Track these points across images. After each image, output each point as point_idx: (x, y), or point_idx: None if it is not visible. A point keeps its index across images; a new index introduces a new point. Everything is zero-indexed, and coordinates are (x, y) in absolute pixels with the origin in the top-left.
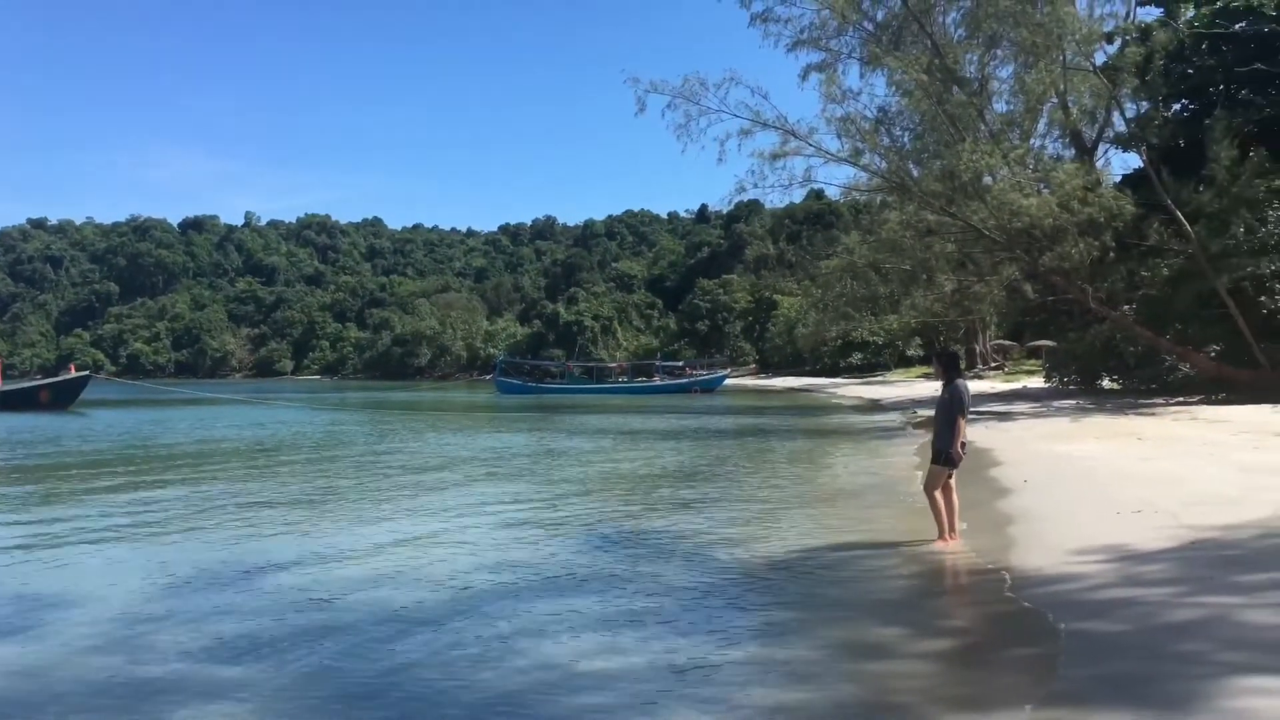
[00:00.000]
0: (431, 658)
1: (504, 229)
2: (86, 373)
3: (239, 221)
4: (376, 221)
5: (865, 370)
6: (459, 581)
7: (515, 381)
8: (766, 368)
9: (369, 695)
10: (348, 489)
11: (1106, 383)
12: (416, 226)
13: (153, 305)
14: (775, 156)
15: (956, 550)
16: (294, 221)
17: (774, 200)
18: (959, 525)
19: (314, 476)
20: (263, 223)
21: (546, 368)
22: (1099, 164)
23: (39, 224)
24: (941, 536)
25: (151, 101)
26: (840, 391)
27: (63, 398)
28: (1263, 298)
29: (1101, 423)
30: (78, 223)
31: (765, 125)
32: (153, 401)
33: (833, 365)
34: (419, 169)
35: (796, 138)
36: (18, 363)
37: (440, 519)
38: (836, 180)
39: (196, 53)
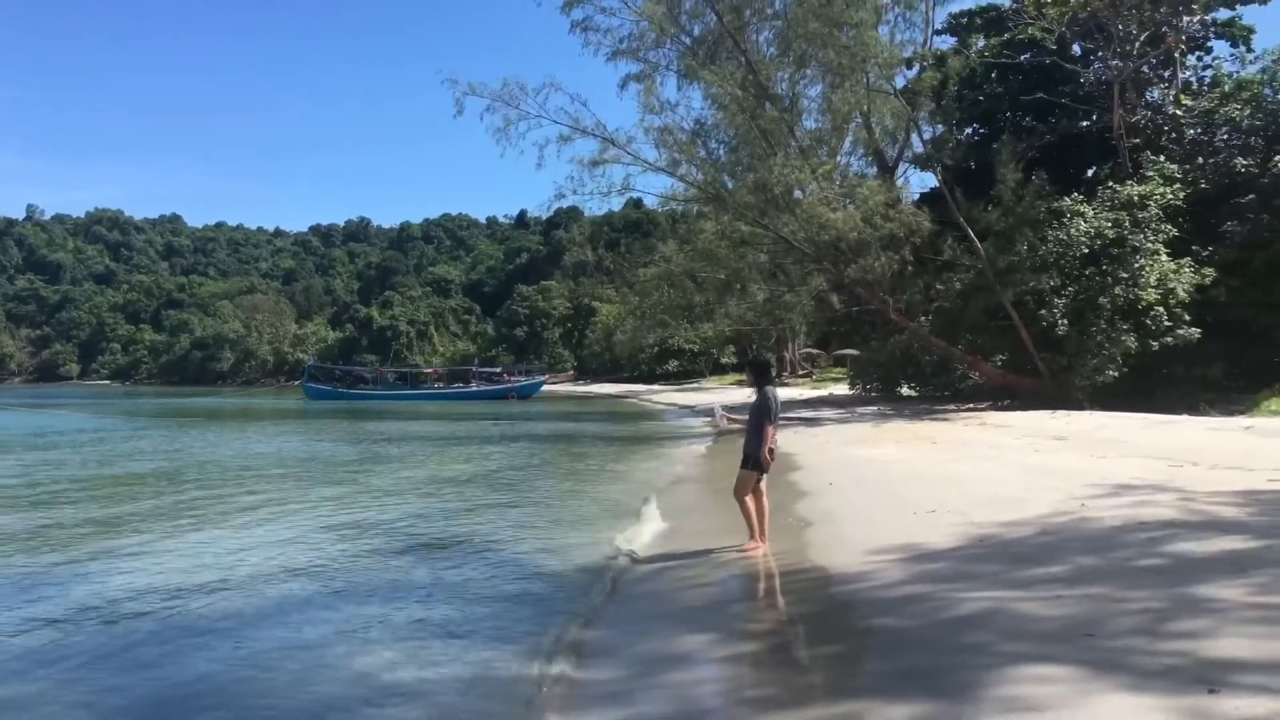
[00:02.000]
0: (228, 672)
1: (315, 229)
2: None
3: (20, 215)
4: (175, 218)
5: (681, 377)
6: (265, 593)
7: (325, 387)
8: (585, 374)
9: (158, 714)
10: (146, 500)
11: (906, 390)
12: (220, 225)
13: None
14: (594, 164)
15: (766, 553)
16: (83, 216)
17: (593, 208)
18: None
19: (107, 489)
20: (47, 217)
21: (359, 373)
22: (899, 182)
23: None
24: (753, 538)
25: None
26: (656, 398)
27: None
28: (1042, 311)
29: (900, 428)
30: None
31: (584, 132)
32: None
33: (650, 372)
34: (223, 166)
35: (615, 146)
36: None
37: (246, 531)
38: (655, 189)
39: None
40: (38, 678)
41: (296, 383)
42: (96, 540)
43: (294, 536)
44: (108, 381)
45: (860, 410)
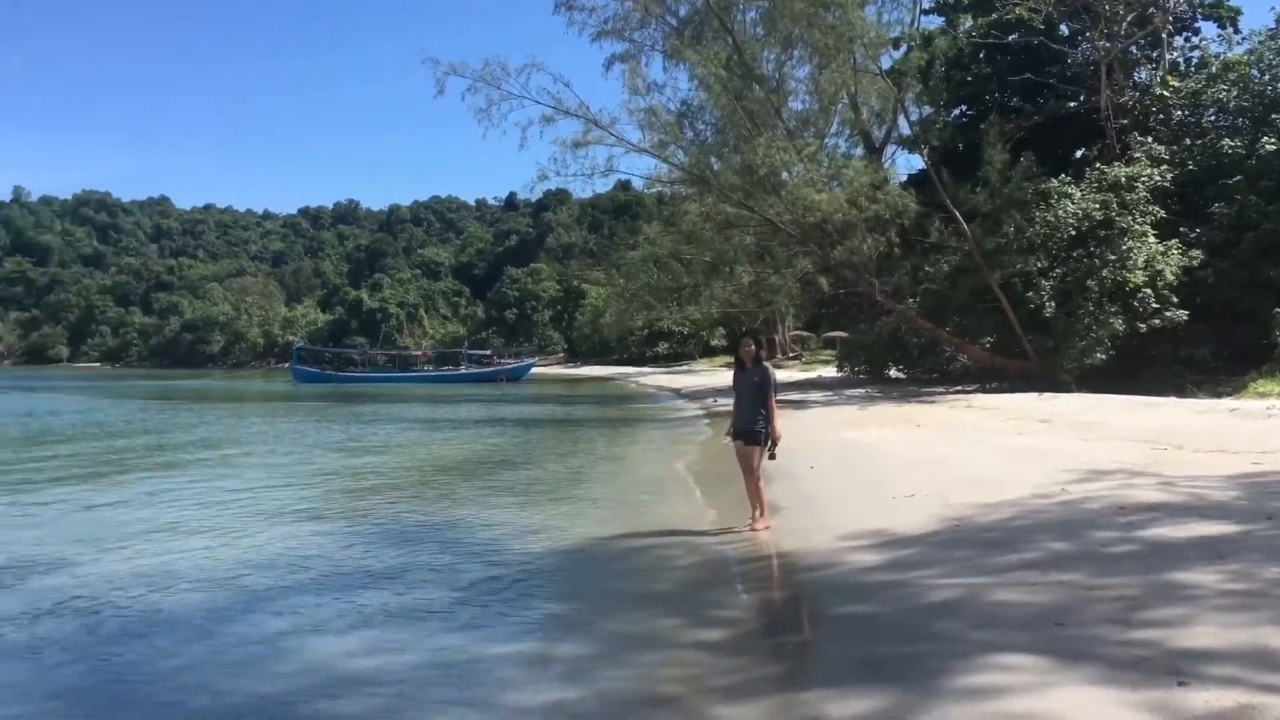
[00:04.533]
0: (186, 662)
1: (304, 212)
2: None
3: (6, 196)
4: (164, 200)
5: (671, 360)
6: (234, 578)
7: (314, 370)
8: (575, 356)
9: (106, 708)
10: (129, 482)
11: (894, 372)
12: (208, 207)
13: None
14: (577, 145)
15: (764, 534)
16: (70, 198)
17: (579, 190)
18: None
19: (91, 469)
20: (34, 198)
21: (348, 355)
22: (886, 164)
23: None
24: (760, 517)
25: None
26: (645, 381)
27: None
28: (1029, 293)
29: (887, 410)
30: None
31: (567, 113)
32: None
33: (640, 355)
34: (210, 148)
35: (598, 127)
36: None
37: (217, 513)
38: (639, 171)
39: None
40: None
41: (286, 365)
42: (68, 527)
43: (270, 522)
44: (98, 364)
45: (848, 393)
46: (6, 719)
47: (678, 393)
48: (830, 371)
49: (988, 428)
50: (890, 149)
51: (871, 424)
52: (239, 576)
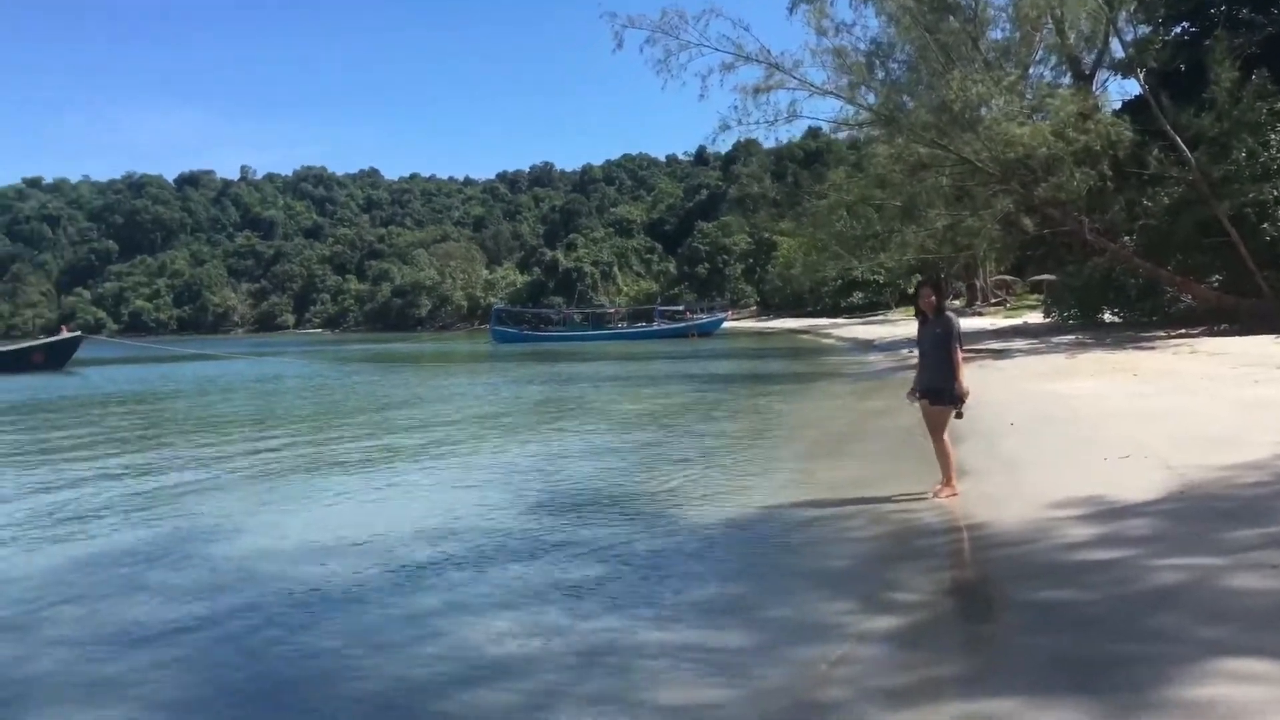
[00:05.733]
0: (327, 643)
1: (501, 176)
2: (79, 333)
3: (235, 175)
4: (373, 172)
5: (866, 310)
6: (391, 553)
7: (511, 330)
8: (767, 309)
9: (237, 689)
10: (334, 443)
11: (1107, 316)
12: (414, 176)
13: (152, 262)
14: (758, 91)
15: (953, 501)
16: (290, 174)
17: (763, 137)
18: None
19: (303, 433)
20: (259, 176)
21: (545, 315)
22: (1096, 91)
23: (34, 183)
24: (948, 484)
25: (141, 57)
26: (838, 333)
27: (56, 358)
28: (1265, 224)
29: (1098, 358)
30: (73, 181)
31: (748, 59)
32: (148, 359)
33: (834, 305)
34: (414, 118)
35: (780, 71)
36: (19, 323)
37: (393, 481)
38: (823, 115)
39: (180, 5)
40: (147, 642)
41: (487, 326)
42: (242, 493)
43: (454, 488)
44: (319, 330)
45: (1055, 340)
46: (150, 692)
47: (870, 344)
48: (1036, 317)
49: (1217, 376)
50: (1101, 75)
51: (1081, 374)
52: (404, 544)
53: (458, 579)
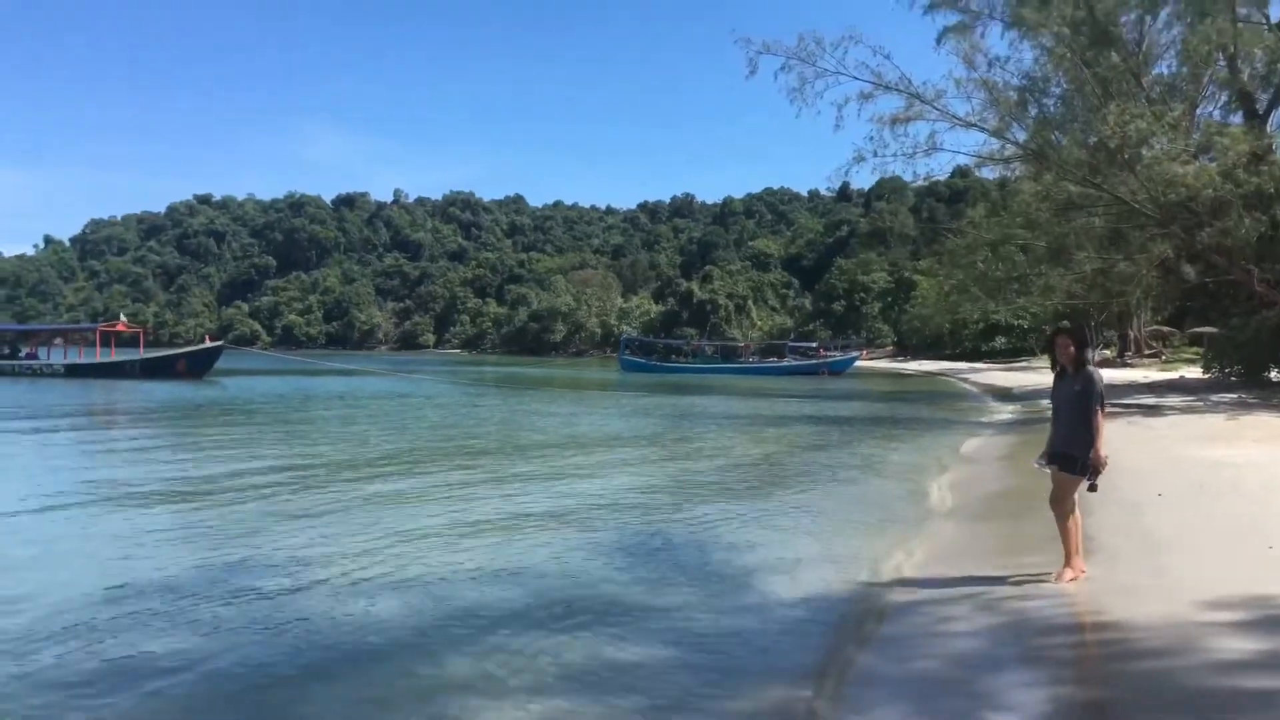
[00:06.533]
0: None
1: (643, 206)
2: (220, 344)
3: (388, 198)
4: (518, 199)
5: (1009, 355)
6: (432, 592)
7: (639, 360)
8: (904, 350)
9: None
10: (426, 463)
11: (1275, 374)
12: (557, 204)
13: (306, 279)
14: (895, 121)
15: (1074, 587)
16: (440, 199)
17: (901, 171)
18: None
19: (409, 453)
20: (410, 199)
21: (675, 346)
22: (1271, 130)
23: (205, 200)
24: (1068, 565)
25: (307, 82)
26: (975, 378)
27: (197, 367)
28: None
29: (1265, 421)
30: (240, 199)
31: (887, 88)
32: (286, 372)
33: (974, 349)
34: (560, 146)
35: (922, 101)
36: (182, 331)
37: (472, 509)
38: (965, 147)
39: (349, 35)
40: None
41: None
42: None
43: (542, 521)
44: (458, 350)
45: (1215, 398)
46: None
47: (1009, 392)
48: (1195, 372)
49: None
50: (1277, 114)
51: (1243, 439)
52: (448, 593)
53: (499, 642)
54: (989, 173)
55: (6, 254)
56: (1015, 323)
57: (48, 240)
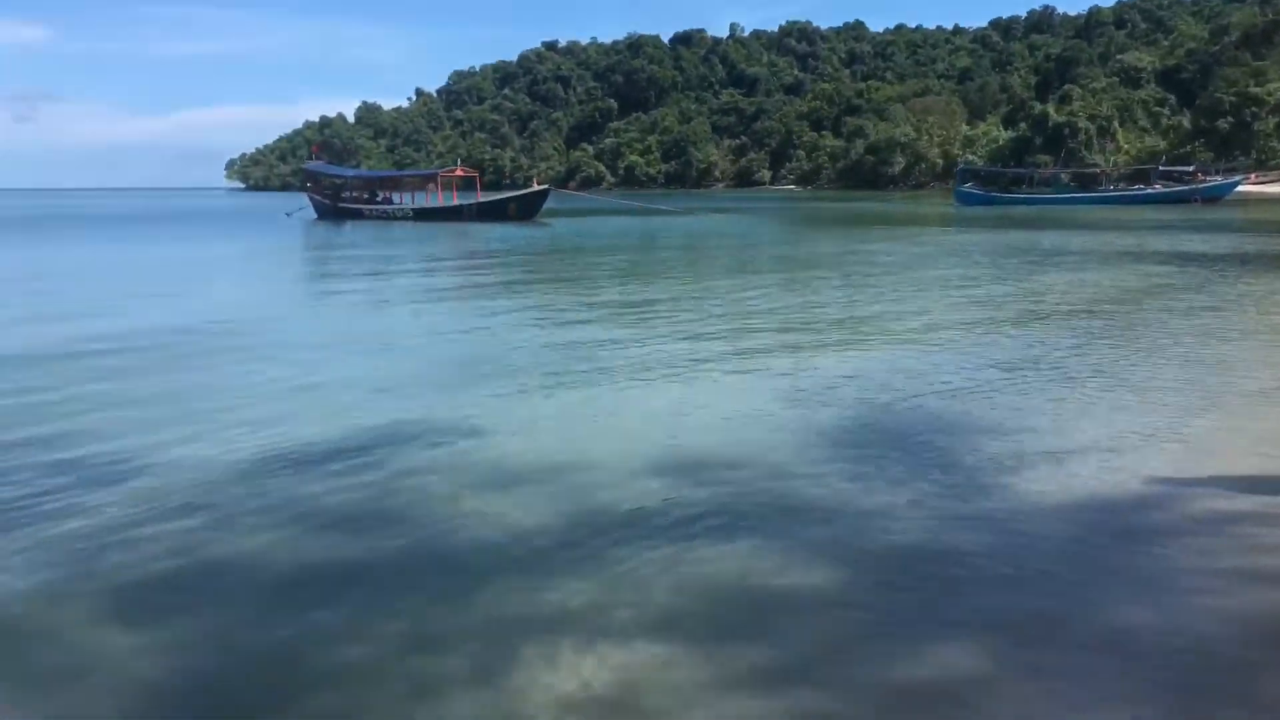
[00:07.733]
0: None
1: (994, 24)
2: (546, 187)
3: (724, 34)
4: (858, 25)
5: None
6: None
7: (977, 192)
8: None
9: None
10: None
11: None
12: (899, 28)
13: (645, 120)
14: None
15: None
16: (775, 31)
17: None
18: None
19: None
20: (746, 33)
21: (1020, 175)
22: None
23: (551, 46)
24: None
25: None
26: None
27: (526, 210)
28: None
29: None
30: (583, 43)
31: None
32: (610, 212)
33: None
34: None
35: None
36: (535, 174)
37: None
38: None
39: None
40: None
41: None
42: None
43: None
44: (793, 187)
45: None
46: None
47: None
48: None
49: None
50: None
51: None
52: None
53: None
54: None
55: (385, 107)
56: None
57: (418, 93)
